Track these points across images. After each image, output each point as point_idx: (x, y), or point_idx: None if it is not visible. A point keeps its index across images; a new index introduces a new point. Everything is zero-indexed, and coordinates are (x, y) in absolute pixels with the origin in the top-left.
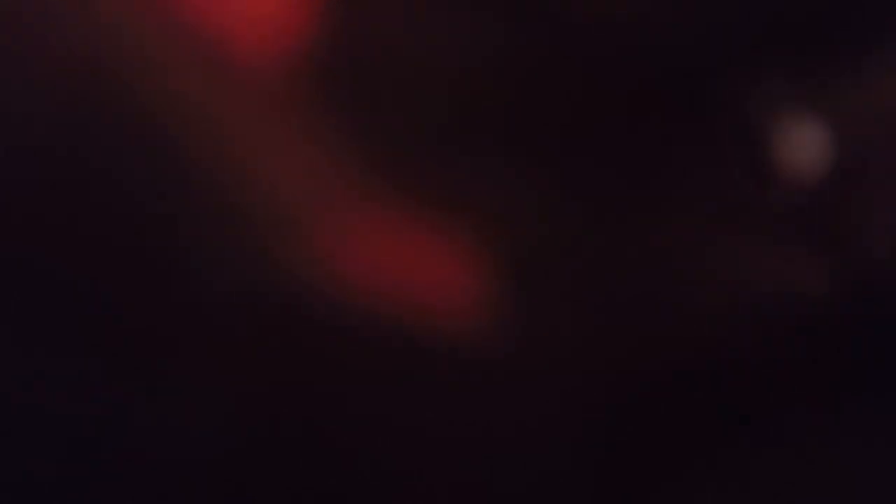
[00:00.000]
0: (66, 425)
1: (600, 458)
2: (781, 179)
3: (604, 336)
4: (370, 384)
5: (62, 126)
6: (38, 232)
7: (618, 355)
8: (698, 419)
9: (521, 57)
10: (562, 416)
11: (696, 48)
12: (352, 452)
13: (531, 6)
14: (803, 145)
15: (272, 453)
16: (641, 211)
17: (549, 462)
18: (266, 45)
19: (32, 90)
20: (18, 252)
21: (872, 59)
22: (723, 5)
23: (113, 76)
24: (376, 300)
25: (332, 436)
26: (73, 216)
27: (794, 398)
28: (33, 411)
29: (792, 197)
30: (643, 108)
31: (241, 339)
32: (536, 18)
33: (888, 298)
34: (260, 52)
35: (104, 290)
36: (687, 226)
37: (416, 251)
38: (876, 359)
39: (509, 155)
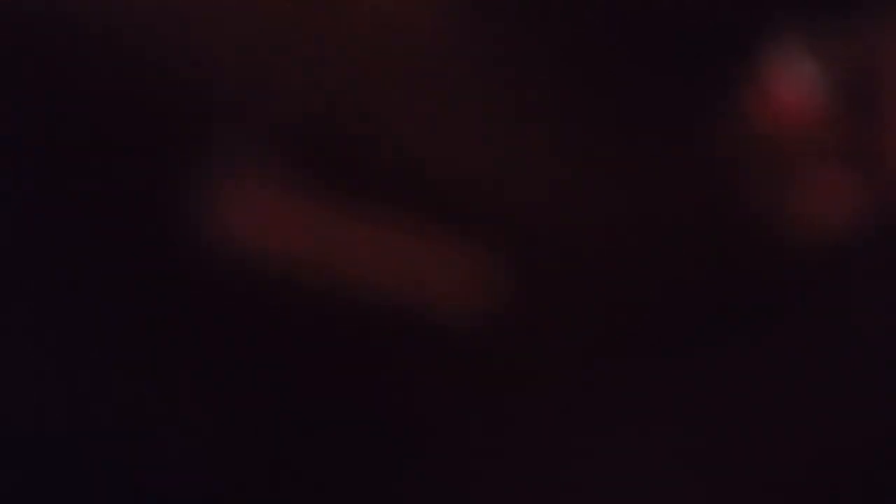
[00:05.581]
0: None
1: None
2: (789, 114)
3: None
4: (378, 375)
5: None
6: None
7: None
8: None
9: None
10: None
11: None
12: (360, 445)
13: None
14: (805, 80)
15: (274, 446)
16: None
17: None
18: None
19: None
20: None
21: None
22: None
23: None
24: (385, 290)
25: (338, 431)
26: None
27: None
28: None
29: (801, 130)
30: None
31: (248, 331)
32: None
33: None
34: None
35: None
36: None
37: (425, 241)
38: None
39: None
